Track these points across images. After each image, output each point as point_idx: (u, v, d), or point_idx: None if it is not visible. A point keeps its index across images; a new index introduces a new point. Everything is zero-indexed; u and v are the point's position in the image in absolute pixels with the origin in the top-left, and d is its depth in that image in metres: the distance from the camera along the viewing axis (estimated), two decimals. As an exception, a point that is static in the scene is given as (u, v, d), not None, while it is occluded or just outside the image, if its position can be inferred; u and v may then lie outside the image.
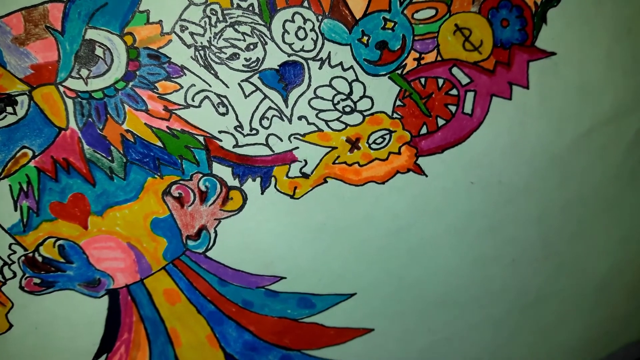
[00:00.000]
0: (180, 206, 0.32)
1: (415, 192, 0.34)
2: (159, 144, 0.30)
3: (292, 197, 0.33)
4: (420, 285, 0.38)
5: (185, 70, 0.29)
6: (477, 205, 0.36)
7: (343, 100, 0.31)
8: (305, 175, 0.32)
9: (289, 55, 0.30)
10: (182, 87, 0.30)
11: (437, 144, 0.33)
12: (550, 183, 0.37)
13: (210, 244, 0.33)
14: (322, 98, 0.31)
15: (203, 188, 0.32)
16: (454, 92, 0.32)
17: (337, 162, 0.33)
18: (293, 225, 0.33)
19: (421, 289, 0.38)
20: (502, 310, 0.40)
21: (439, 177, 0.34)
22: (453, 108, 0.33)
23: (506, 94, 0.33)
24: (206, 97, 0.30)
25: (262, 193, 0.32)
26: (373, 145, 0.33)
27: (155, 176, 0.31)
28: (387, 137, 0.33)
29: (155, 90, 0.29)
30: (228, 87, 0.30)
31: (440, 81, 0.32)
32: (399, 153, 0.33)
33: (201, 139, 0.31)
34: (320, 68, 0.30)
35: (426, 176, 0.34)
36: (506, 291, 0.40)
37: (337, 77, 0.31)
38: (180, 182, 0.31)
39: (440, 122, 0.33)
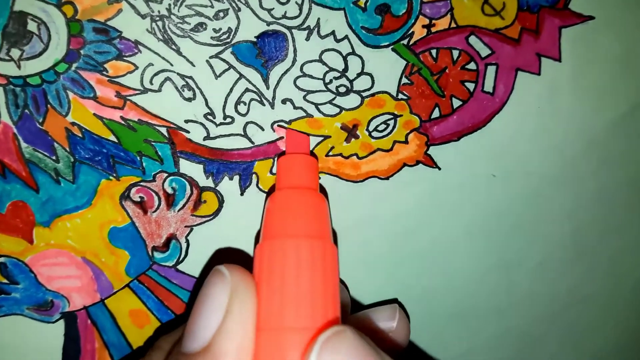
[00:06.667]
0: (143, 212, 0.26)
1: (426, 188, 0.29)
2: (113, 138, 0.25)
3: (278, 197, 0.27)
4: (432, 295, 0.32)
5: (141, 47, 0.24)
6: (499, 201, 0.30)
7: (336, 78, 0.25)
8: (293, 171, 0.27)
9: (269, 23, 0.24)
10: (137, 67, 0.24)
11: (452, 129, 0.28)
12: (584, 172, 0.31)
13: (182, 255, 0.28)
14: (310, 76, 0.25)
15: (169, 190, 0.26)
16: (471, 66, 0.27)
17: (331, 154, 0.27)
18: (281, 231, 0.28)
19: (433, 299, 0.33)
20: (527, 320, 0.36)
21: (454, 169, 0.29)
22: (471, 86, 0.27)
23: (534, 68, 0.28)
24: (167, 78, 0.24)
25: (241, 194, 0.27)
26: (374, 133, 0.27)
27: (110, 178, 0.26)
28: (392, 122, 0.27)
29: (104, 73, 0.24)
30: (194, 66, 0.24)
31: (456, 53, 0.26)
32: (406, 142, 0.27)
33: (164, 130, 0.25)
34: (307, 39, 0.25)
35: (439, 169, 0.29)
36: (531, 298, 0.35)
37: (328, 50, 0.25)
38: (141, 183, 0.26)
39: (456, 103, 0.27)
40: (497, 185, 0.30)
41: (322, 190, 0.28)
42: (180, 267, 0.28)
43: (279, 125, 0.26)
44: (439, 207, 0.30)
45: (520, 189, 0.30)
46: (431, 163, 0.28)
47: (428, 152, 0.28)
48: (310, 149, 0.27)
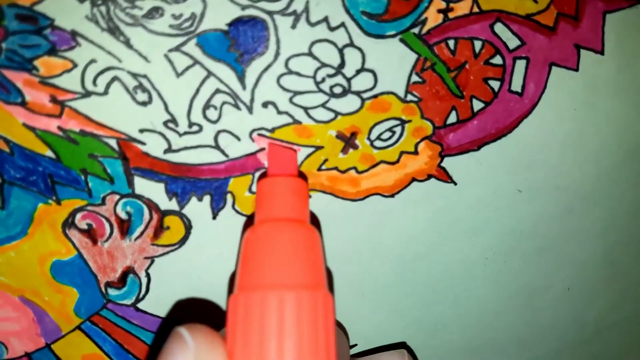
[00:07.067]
0: (92, 242, 0.21)
1: (439, 207, 0.24)
2: (50, 153, 0.20)
3: (260, 220, 0.22)
4: (444, 329, 0.28)
5: (79, 39, 0.18)
6: (524, 220, 0.26)
7: (330, 76, 0.20)
8: (278, 189, 0.22)
9: (244, 7, 0.19)
10: (76, 64, 0.19)
11: (472, 137, 0.23)
12: (622, 184, 0.27)
13: (142, 291, 0.23)
14: (298, 74, 0.20)
15: (123, 215, 0.21)
16: (497, 60, 0.22)
17: (324, 168, 0.22)
18: (264, 260, 0.23)
19: (445, 333, 0.28)
20: (551, 350, 0.31)
21: (472, 184, 0.24)
22: (496, 84, 0.22)
23: (571, 62, 0.23)
24: (115, 78, 0.19)
25: (214, 217, 0.22)
26: (377, 143, 0.22)
27: (50, 202, 0.20)
28: (398, 129, 0.22)
29: (34, 72, 0.19)
30: (149, 62, 0.19)
31: (478, 44, 0.21)
32: (416, 152, 0.22)
33: (113, 142, 0.20)
34: (293, 27, 0.19)
35: (454, 184, 0.24)
36: (557, 327, 0.30)
37: (320, 40, 0.20)
38: (88, 208, 0.21)
39: (477, 105, 0.22)
40: (522, 202, 0.25)
41: (314, 220, 0.23)
42: (140, 305, 0.23)
43: (259, 135, 0.21)
44: (454, 229, 0.25)
45: (548, 206, 0.26)
46: (445, 177, 0.23)
47: (442, 164, 0.23)
48: (299, 164, 0.22)
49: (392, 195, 0.23)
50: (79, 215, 0.21)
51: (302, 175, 0.22)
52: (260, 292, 0.17)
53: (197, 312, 0.23)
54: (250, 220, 0.22)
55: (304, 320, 0.16)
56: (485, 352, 0.29)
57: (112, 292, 0.23)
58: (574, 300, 0.30)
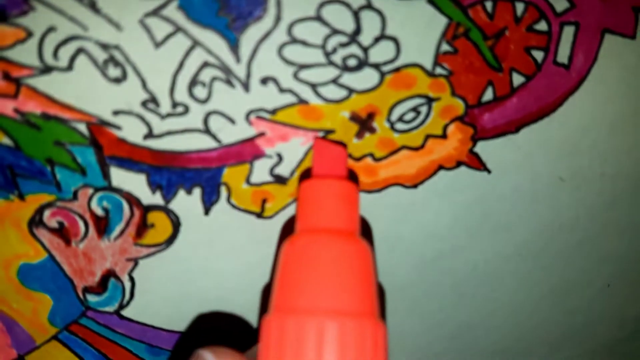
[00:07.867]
0: (65, 243, 0.18)
1: (469, 199, 0.21)
2: (7, 141, 0.17)
3: (259, 215, 0.19)
4: (468, 332, 0.25)
5: (34, 2, 0.15)
6: (564, 212, 0.23)
7: (344, 45, 0.17)
8: (280, 180, 0.19)
9: (236, -39, 0.15)
10: (31, 33, 0.15)
11: (510, 117, 0.19)
12: (677, 169, 0.23)
13: (126, 297, 0.20)
14: (304, 43, 0.17)
15: (99, 212, 0.18)
16: (542, 26, 0.18)
17: (335, 154, 0.19)
18: (263, 261, 0.20)
19: (469, 336, 0.25)
20: (584, 351, 0.29)
21: (508, 172, 0.21)
22: (539, 55, 0.19)
23: (627, 29, 0.19)
24: (81, 50, 0.16)
25: (206, 213, 0.19)
26: (399, 125, 0.19)
27: (11, 197, 0.17)
28: (424, 109, 0.19)
29: (-17, 41, 0.15)
30: (121, 30, 0.16)
31: (520, 7, 0.18)
32: (444, 136, 0.19)
33: (83, 127, 0.17)
34: (297, -14, 0.16)
35: (488, 172, 0.20)
36: (592, 326, 0.28)
37: (330, 1, 0.16)
38: (58, 204, 0.18)
39: (517, 79, 0.19)
40: (563, 191, 0.22)
41: (365, 230, 0.20)
42: (125, 312, 0.20)
43: (258, 117, 0.18)
44: (485, 224, 0.22)
45: (591, 196, 0.22)
46: (478, 165, 0.20)
47: (474, 149, 0.20)
48: (305, 151, 0.18)
49: (415, 186, 0.20)
50: (47, 212, 0.18)
51: (353, 177, 0.19)
52: (296, 317, 0.14)
53: (213, 327, 0.20)
54: (289, 226, 0.19)
55: (347, 354, 0.14)
56: (512, 354, 0.27)
57: (92, 298, 0.20)
58: (614, 299, 0.27)
